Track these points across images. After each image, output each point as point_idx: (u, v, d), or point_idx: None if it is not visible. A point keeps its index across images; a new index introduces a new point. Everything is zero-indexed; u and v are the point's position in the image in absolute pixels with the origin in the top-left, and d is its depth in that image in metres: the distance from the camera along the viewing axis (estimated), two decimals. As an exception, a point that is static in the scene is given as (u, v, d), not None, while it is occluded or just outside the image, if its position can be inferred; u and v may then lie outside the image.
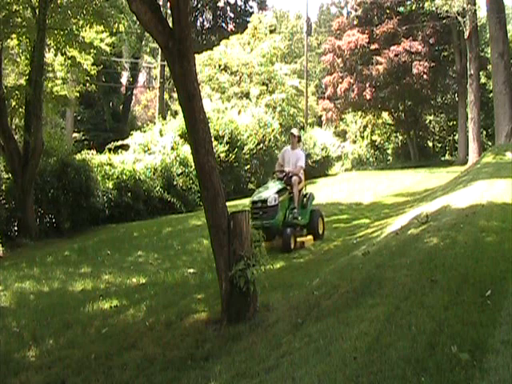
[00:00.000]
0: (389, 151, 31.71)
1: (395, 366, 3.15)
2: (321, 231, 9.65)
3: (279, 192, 8.99)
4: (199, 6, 37.81)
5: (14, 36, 12.16)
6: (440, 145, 32.70)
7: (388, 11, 28.40)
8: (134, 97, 37.23)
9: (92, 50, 13.90)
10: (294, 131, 10.10)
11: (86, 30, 13.16)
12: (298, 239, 9.09)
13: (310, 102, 36.21)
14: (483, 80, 27.16)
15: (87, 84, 16.49)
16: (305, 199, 9.61)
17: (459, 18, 21.84)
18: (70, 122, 28.26)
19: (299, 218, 9.21)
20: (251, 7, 40.07)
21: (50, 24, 12.04)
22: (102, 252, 10.01)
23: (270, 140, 20.56)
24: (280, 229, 8.92)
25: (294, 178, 9.27)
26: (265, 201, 8.89)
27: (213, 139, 6.07)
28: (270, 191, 9.07)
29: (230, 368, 4.06)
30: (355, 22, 29.24)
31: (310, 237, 9.39)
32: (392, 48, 25.77)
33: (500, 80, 19.05)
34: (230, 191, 17.12)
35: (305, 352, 3.84)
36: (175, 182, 15.94)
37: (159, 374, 4.34)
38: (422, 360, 3.19)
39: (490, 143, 25.87)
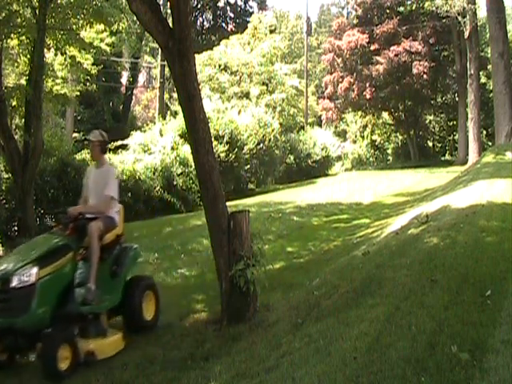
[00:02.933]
0: (389, 151, 31.71)
1: (395, 366, 3.15)
2: (149, 316, 5.53)
3: (45, 258, 4.72)
4: (199, 5, 37.79)
5: (14, 36, 12.15)
6: (440, 145, 32.69)
7: (388, 11, 28.40)
8: (134, 97, 37.21)
9: (92, 50, 13.90)
10: (93, 135, 5.69)
11: (85, 30, 13.16)
12: (87, 345, 4.77)
13: (310, 102, 36.23)
14: (483, 80, 27.15)
15: (87, 83, 16.49)
16: (119, 259, 5.42)
17: (459, 17, 21.83)
18: (70, 121, 28.26)
19: (96, 299, 4.95)
20: (251, 7, 40.06)
21: (49, 24, 12.04)
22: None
23: (269, 140, 20.55)
24: (43, 329, 4.58)
25: (92, 225, 5.01)
26: (5, 281, 4.59)
27: (213, 139, 6.07)
28: (20, 259, 4.74)
29: (230, 368, 4.06)
30: (355, 22, 29.26)
31: (115, 336, 5.12)
32: (392, 48, 25.76)
33: (500, 80, 19.03)
34: (230, 191, 17.11)
35: (305, 352, 3.84)
36: (175, 182, 15.94)
37: (159, 374, 4.35)
38: (422, 360, 3.19)
39: (490, 143, 25.85)
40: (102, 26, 13.59)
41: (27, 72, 12.84)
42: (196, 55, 7.23)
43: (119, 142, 18.47)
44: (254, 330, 4.93)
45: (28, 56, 12.79)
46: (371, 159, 30.98)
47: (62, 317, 4.73)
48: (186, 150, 16.08)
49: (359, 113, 29.95)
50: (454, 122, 29.09)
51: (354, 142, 31.70)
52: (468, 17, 21.65)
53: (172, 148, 17.15)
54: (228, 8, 39.50)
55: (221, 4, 38.86)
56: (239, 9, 39.60)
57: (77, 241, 5.04)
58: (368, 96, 26.43)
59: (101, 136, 5.64)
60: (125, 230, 5.69)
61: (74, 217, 5.11)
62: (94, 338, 4.91)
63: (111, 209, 5.39)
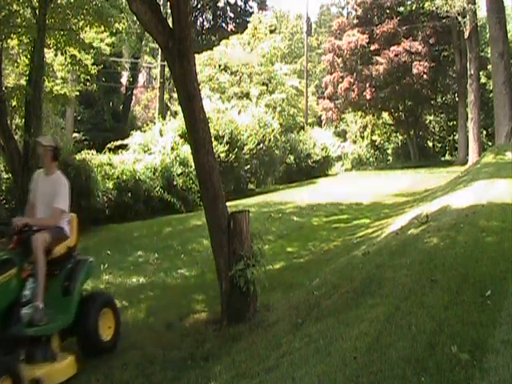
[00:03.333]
0: (389, 151, 31.72)
1: (395, 366, 3.15)
2: (107, 337, 4.99)
3: None
4: (199, 5, 37.81)
5: (14, 36, 12.16)
6: (440, 145, 32.71)
7: (388, 11, 28.42)
8: (134, 97, 37.22)
9: (92, 51, 13.92)
10: (45, 140, 5.24)
11: (85, 31, 13.18)
12: (33, 373, 4.20)
13: (310, 102, 36.23)
14: (483, 80, 27.16)
15: (87, 83, 16.50)
16: (72, 274, 4.89)
17: (459, 17, 21.85)
18: (70, 121, 28.26)
19: (45, 319, 4.41)
20: (251, 7, 40.10)
21: (49, 24, 12.05)
22: (101, 252, 10.00)
23: (269, 140, 20.55)
24: None
25: (37, 238, 4.50)
26: None
27: (213, 139, 6.08)
28: None
29: (230, 368, 4.07)
30: (355, 22, 29.28)
31: (66, 361, 4.55)
32: (392, 48, 25.78)
33: (500, 80, 19.04)
34: (230, 191, 17.11)
35: (305, 352, 3.84)
36: (175, 182, 15.94)
37: (159, 374, 4.35)
38: (422, 360, 3.19)
39: (490, 143, 25.87)
40: (102, 27, 13.60)
41: (27, 72, 12.85)
42: (196, 55, 7.23)
43: (119, 142, 18.48)
44: (254, 330, 4.93)
45: (28, 56, 12.80)
46: (371, 159, 30.99)
47: (6, 341, 4.20)
48: (186, 150, 16.08)
49: (359, 113, 29.96)
50: (454, 122, 29.10)
51: (354, 142, 31.70)
52: (468, 17, 21.67)
53: (172, 148, 17.14)
54: (228, 8, 39.52)
55: (221, 4, 38.89)
56: (239, 9, 39.62)
57: (22, 255, 4.45)
58: (368, 96, 26.43)
59: (53, 141, 5.15)
60: (79, 241, 5.16)
61: (18, 228, 4.52)
62: (42, 363, 4.36)
63: (61, 221, 4.88)
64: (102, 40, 15.03)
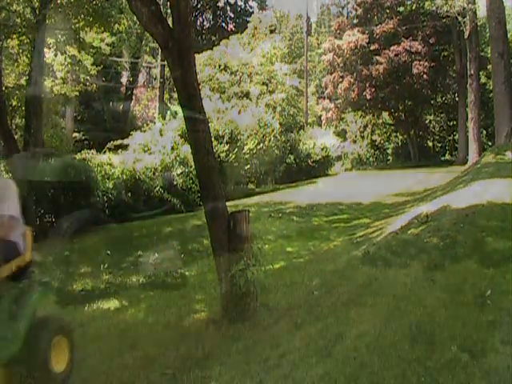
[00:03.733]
0: (389, 151, 31.68)
1: (395, 366, 3.15)
2: (60, 368, 4.25)
3: None
4: (199, 5, 37.81)
5: (14, 36, 12.18)
6: (440, 145, 32.67)
7: (388, 11, 28.40)
8: (133, 97, 37.24)
9: (92, 50, 13.95)
10: None
11: (86, 32, 13.20)
12: None
13: (310, 102, 36.25)
14: (483, 80, 27.14)
15: (87, 83, 16.53)
16: (22, 297, 4.16)
17: (459, 17, 21.86)
18: (69, 122, 28.27)
19: None
20: (251, 7, 40.14)
21: (49, 24, 12.07)
22: (101, 252, 10.01)
23: (270, 140, 20.55)
24: None
25: None
26: None
27: (213, 139, 6.07)
28: None
29: (230, 368, 4.06)
30: (355, 22, 29.28)
31: None
32: (392, 48, 25.78)
33: (500, 80, 19.03)
34: (230, 191, 17.11)
35: (305, 352, 3.84)
36: (175, 182, 15.94)
37: (159, 374, 4.34)
38: (422, 360, 3.19)
39: (490, 143, 25.85)
40: (102, 28, 13.61)
41: (27, 72, 12.87)
42: (196, 55, 7.21)
43: (119, 142, 18.49)
44: (253, 330, 4.93)
45: (28, 56, 12.82)
46: (371, 159, 30.95)
47: None
48: (186, 150, 16.08)
49: (359, 113, 29.94)
50: (454, 122, 29.08)
51: (354, 142, 31.67)
52: (468, 17, 21.67)
53: (172, 148, 17.15)
54: (228, 8, 39.53)
55: (221, 4, 38.90)
56: (239, 9, 39.63)
57: None
58: (368, 96, 26.43)
59: None
60: (33, 258, 4.42)
61: None
62: None
63: (12, 231, 4.15)
64: (102, 40, 15.04)
